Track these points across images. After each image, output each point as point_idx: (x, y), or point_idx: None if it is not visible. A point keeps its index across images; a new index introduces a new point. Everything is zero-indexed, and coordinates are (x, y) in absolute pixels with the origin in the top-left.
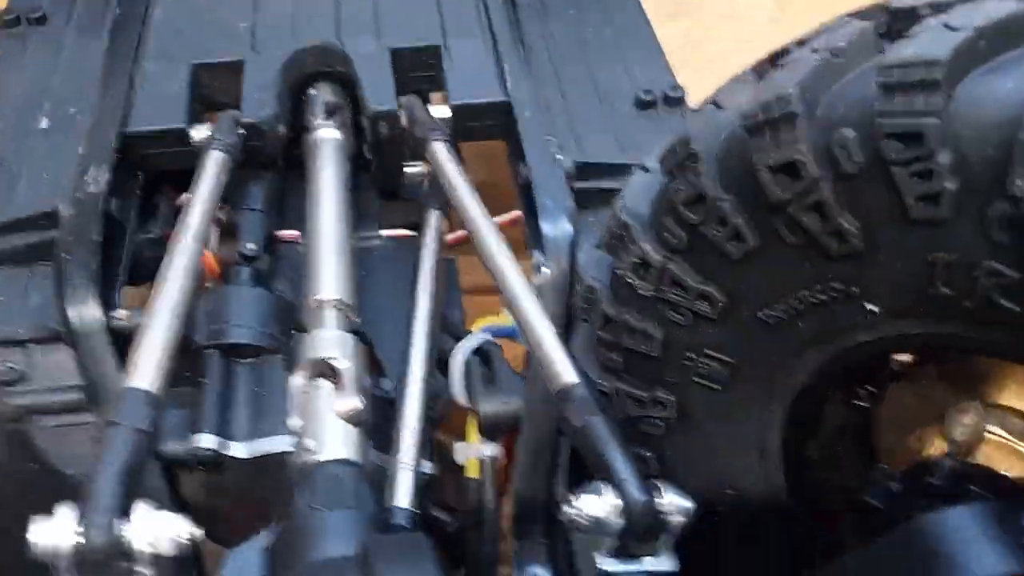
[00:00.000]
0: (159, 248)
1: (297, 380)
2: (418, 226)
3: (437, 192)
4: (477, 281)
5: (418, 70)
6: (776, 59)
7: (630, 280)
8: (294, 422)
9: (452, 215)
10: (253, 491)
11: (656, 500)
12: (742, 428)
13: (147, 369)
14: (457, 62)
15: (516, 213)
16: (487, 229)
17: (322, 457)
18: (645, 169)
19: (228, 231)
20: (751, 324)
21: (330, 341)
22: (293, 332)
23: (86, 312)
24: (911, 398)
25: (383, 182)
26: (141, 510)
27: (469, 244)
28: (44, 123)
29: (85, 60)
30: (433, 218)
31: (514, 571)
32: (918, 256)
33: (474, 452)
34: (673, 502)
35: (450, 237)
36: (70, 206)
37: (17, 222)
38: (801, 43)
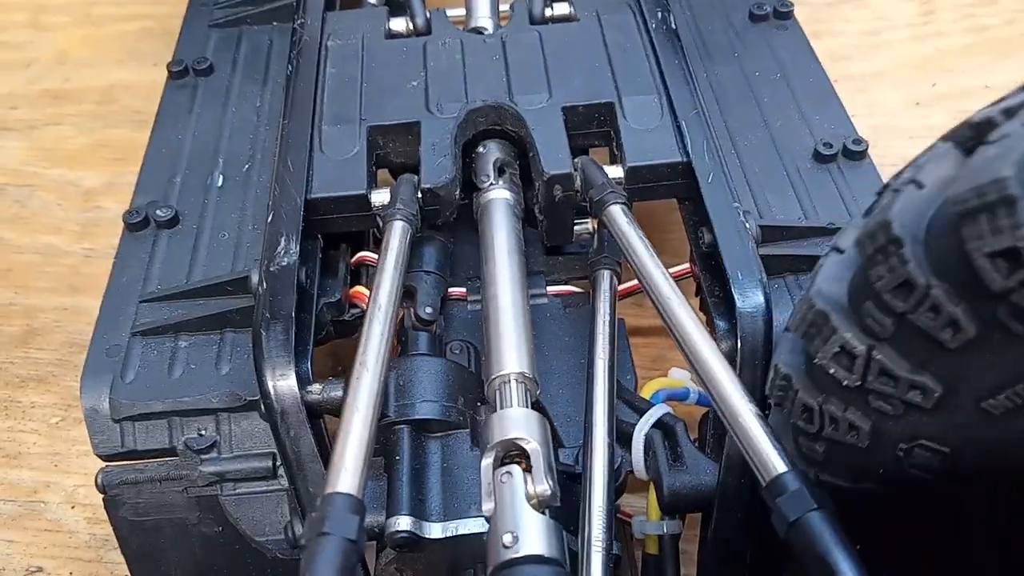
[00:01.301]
0: (338, 310)
1: (487, 463)
2: (583, 279)
3: (611, 254)
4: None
5: (591, 127)
6: (980, 129)
7: (831, 370)
8: (487, 507)
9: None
10: (443, 569)
11: None
12: (956, 525)
13: (351, 470)
14: (632, 120)
15: (686, 266)
16: (672, 296)
17: (520, 551)
18: (838, 250)
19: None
20: (971, 414)
21: (517, 420)
22: (477, 404)
23: (284, 386)
24: None
25: (551, 240)
26: None
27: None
28: (219, 180)
29: (253, 115)
30: (606, 280)
31: None
32: None
33: (655, 528)
34: None
35: (622, 287)
36: (264, 276)
37: (207, 288)
38: (1008, 112)
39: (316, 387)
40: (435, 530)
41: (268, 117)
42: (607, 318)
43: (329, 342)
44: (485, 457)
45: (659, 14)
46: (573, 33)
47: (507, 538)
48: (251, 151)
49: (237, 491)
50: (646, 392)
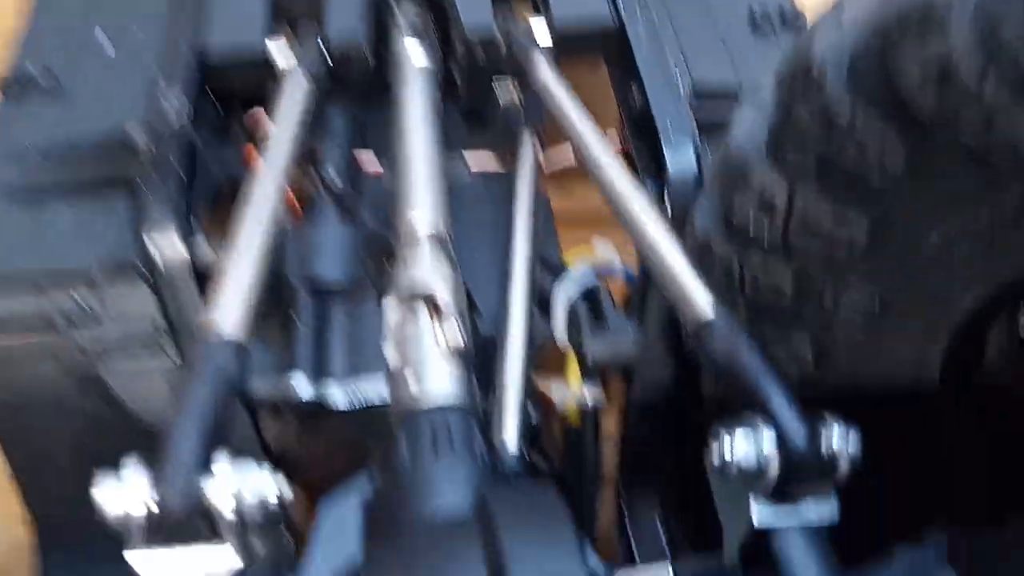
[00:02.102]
0: (233, 170)
1: (392, 313)
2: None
3: (533, 112)
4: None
5: None
6: None
7: (752, 220)
8: (392, 359)
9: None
10: (351, 437)
11: (821, 432)
12: (895, 371)
13: (230, 311)
14: None
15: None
16: (600, 148)
17: (427, 399)
18: (756, 96)
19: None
20: (903, 249)
21: (429, 273)
22: (386, 268)
23: (168, 247)
24: None
25: (472, 102)
26: (223, 464)
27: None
28: (102, 41)
29: None
30: (527, 140)
31: (628, 524)
32: None
33: (574, 396)
34: (838, 435)
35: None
36: (147, 134)
37: (85, 150)
38: None
39: (207, 249)
40: (339, 395)
41: None
42: (529, 180)
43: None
44: (389, 307)
45: None
46: None
47: (412, 383)
48: (141, 10)
49: (120, 368)
50: (570, 265)
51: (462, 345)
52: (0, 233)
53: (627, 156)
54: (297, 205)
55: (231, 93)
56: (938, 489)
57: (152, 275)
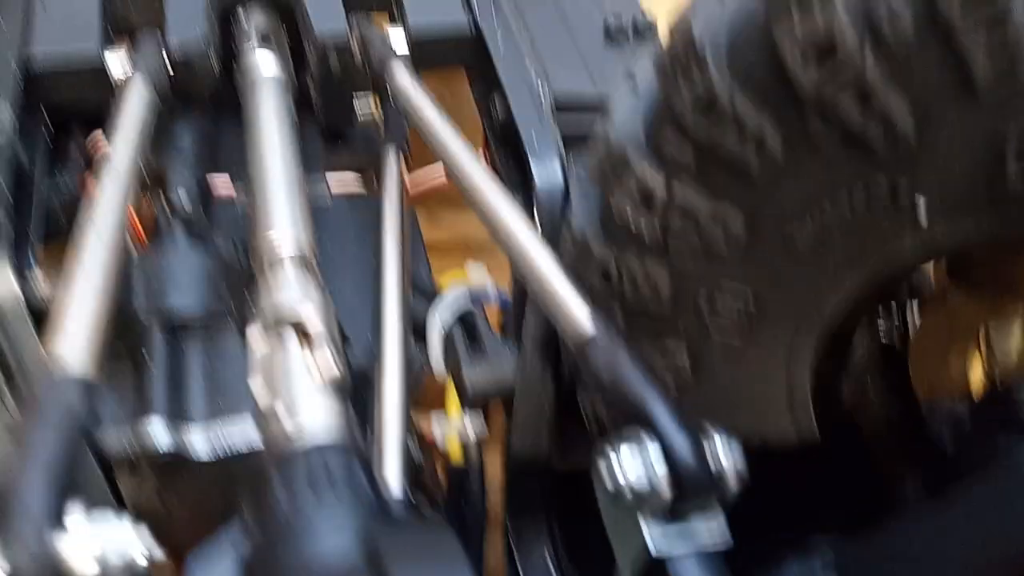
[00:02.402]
0: (72, 199)
1: (258, 343)
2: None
3: (395, 126)
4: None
5: None
6: None
7: (629, 217)
8: (260, 394)
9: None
10: (217, 488)
11: (706, 447)
12: (768, 374)
13: (74, 346)
14: None
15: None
16: (468, 161)
17: (302, 436)
18: (632, 82)
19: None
20: (777, 247)
21: (295, 298)
22: (246, 298)
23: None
24: (943, 322)
25: (329, 119)
26: (78, 517)
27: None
28: None
29: None
30: (391, 158)
31: (519, 564)
32: (985, 136)
33: (457, 428)
34: (721, 448)
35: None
36: None
37: None
38: None
39: (42, 283)
40: (201, 442)
41: None
42: (396, 200)
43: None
44: (252, 332)
45: None
46: None
47: (284, 419)
48: None
49: None
50: (444, 289)
51: (337, 375)
52: None
53: (492, 169)
54: (142, 231)
55: (66, 113)
56: (818, 496)
57: None
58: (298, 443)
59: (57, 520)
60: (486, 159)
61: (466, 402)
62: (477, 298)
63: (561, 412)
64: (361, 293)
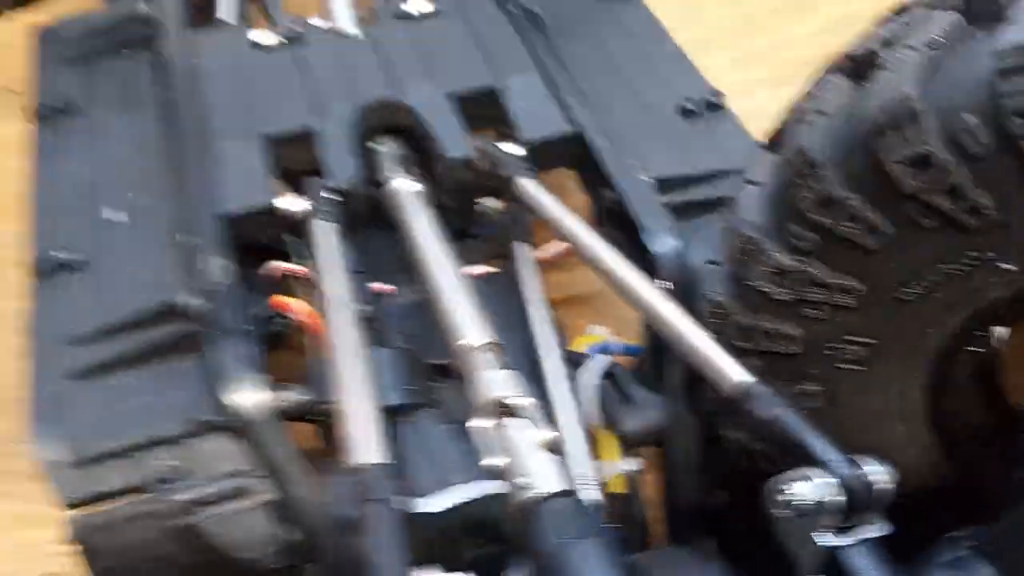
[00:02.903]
0: (265, 321)
1: (481, 423)
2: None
3: (521, 226)
4: None
5: (479, 111)
6: (864, 60)
7: (764, 289)
8: (492, 463)
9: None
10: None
11: (870, 475)
12: (887, 400)
13: (369, 442)
14: (518, 99)
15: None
16: (598, 245)
17: (544, 492)
18: (753, 183)
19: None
20: (890, 305)
21: (502, 381)
22: (433, 386)
23: (253, 399)
24: None
25: (458, 223)
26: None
27: None
28: (111, 214)
29: (130, 144)
30: (522, 251)
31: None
32: None
33: (621, 469)
34: (876, 470)
35: (549, 254)
36: (197, 297)
37: (134, 322)
38: (886, 43)
39: (277, 395)
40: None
41: (142, 146)
42: (534, 284)
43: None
44: (475, 419)
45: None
46: (440, 25)
47: (524, 481)
48: (134, 180)
49: (214, 513)
50: (576, 348)
51: (557, 437)
52: (83, 413)
53: None
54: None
55: (243, 251)
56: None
57: (233, 427)
58: (540, 497)
59: None
60: None
61: (625, 446)
62: (610, 352)
63: (705, 448)
64: (517, 359)
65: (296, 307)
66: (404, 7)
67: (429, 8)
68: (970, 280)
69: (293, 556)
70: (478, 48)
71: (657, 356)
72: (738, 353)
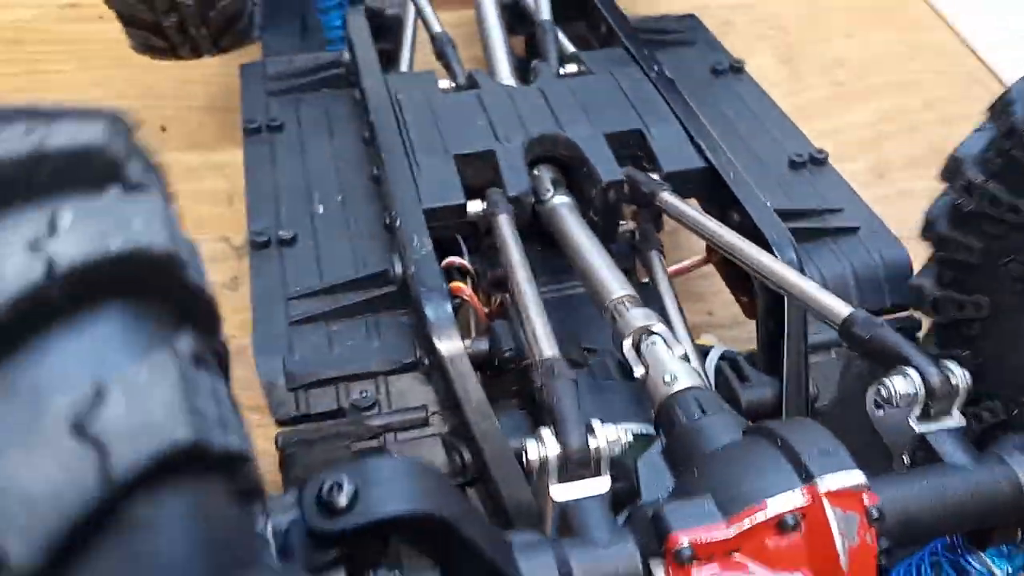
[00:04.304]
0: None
1: (628, 343)
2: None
3: (653, 237)
4: None
5: (627, 150)
6: None
7: (958, 202)
8: (639, 371)
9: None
10: None
11: (948, 373)
12: None
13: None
14: (659, 139)
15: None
16: (737, 237)
17: (681, 385)
18: (979, 129)
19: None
20: None
21: (642, 314)
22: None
23: (452, 345)
24: None
25: (604, 239)
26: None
27: None
28: (320, 209)
29: (333, 159)
30: (657, 259)
31: None
32: None
33: None
34: (958, 373)
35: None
36: (406, 263)
37: (343, 284)
38: None
39: (468, 343)
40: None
41: (343, 161)
42: (668, 285)
43: None
44: (625, 341)
45: (655, 67)
46: (594, 82)
47: (666, 377)
48: (339, 187)
49: (398, 440)
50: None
51: (687, 351)
52: (299, 350)
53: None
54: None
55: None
56: None
57: (427, 367)
58: (679, 389)
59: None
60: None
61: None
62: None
63: None
64: None
65: (467, 291)
66: (562, 70)
67: (575, 70)
68: None
69: (462, 477)
70: (626, 100)
71: (772, 344)
72: (935, 261)
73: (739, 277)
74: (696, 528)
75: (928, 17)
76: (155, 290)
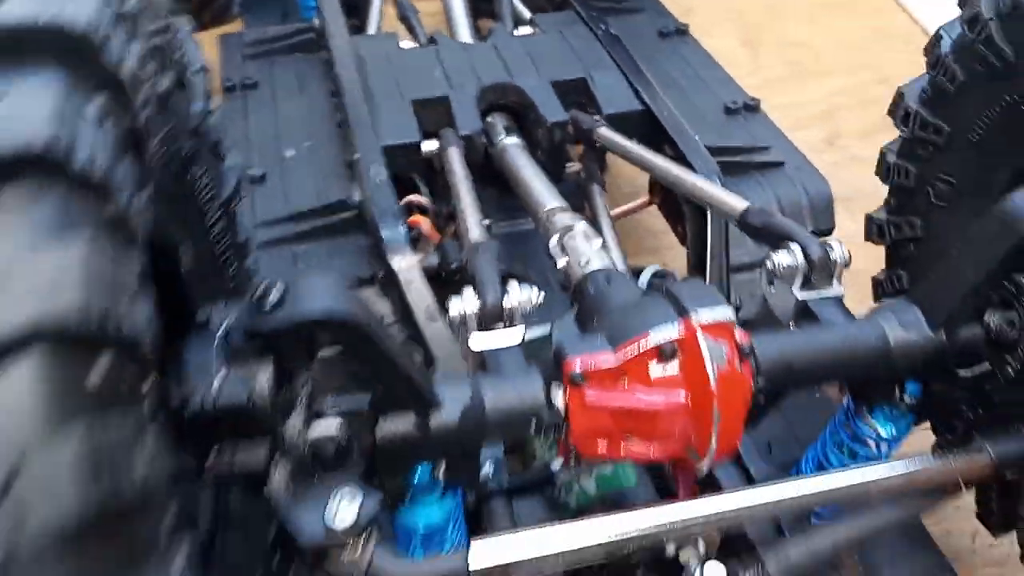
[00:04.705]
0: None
1: (555, 240)
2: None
3: (595, 173)
4: None
5: (572, 95)
6: None
7: (903, 128)
8: (562, 262)
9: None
10: None
11: (828, 249)
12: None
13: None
14: (602, 87)
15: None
16: (664, 160)
17: (593, 267)
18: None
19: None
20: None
21: (568, 217)
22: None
23: (406, 261)
24: None
25: (552, 176)
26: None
27: None
28: (288, 152)
29: (302, 111)
30: (597, 194)
31: None
32: None
33: None
34: (838, 249)
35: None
36: (364, 192)
37: (305, 212)
38: None
39: (421, 257)
40: None
41: (312, 113)
42: (607, 215)
43: None
44: (552, 239)
45: (601, 26)
46: (544, 39)
47: (581, 261)
48: (307, 135)
49: None
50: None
51: (600, 243)
52: (273, 267)
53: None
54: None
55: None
56: None
57: (383, 280)
58: (589, 271)
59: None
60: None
61: None
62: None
63: None
64: None
65: (424, 223)
66: (511, 28)
67: (529, 31)
68: None
69: None
70: (572, 53)
71: (700, 263)
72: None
73: (676, 212)
74: (588, 355)
75: (889, 6)
76: (72, 61)
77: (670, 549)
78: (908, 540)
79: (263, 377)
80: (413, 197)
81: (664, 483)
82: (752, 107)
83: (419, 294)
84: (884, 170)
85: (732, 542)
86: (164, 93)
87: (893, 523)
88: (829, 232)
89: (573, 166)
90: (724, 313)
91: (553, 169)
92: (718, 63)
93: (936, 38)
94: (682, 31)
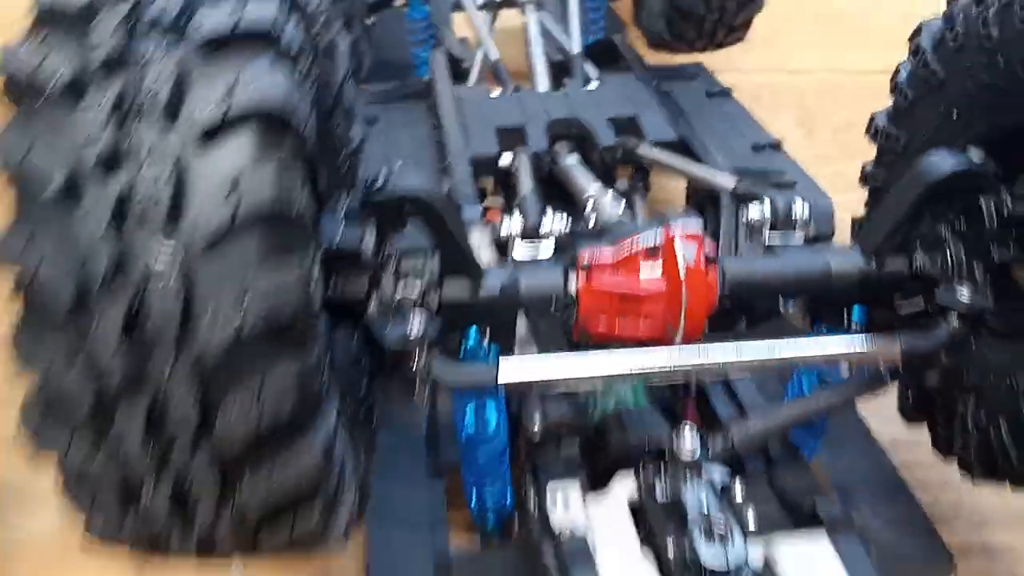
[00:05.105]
0: None
1: (590, 206)
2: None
3: (638, 189)
4: None
5: (624, 128)
6: None
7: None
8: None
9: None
10: None
11: (792, 203)
12: None
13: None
14: (647, 122)
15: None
16: (703, 168)
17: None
18: None
19: None
20: None
21: (597, 188)
22: None
23: (478, 233)
24: None
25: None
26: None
27: None
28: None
29: (410, 139)
30: (639, 200)
31: None
32: None
33: None
34: (799, 204)
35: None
36: (452, 183)
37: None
38: None
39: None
40: None
41: (416, 139)
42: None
43: None
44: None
45: (653, 83)
46: (606, 90)
47: (604, 217)
48: (412, 155)
49: None
50: None
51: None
52: None
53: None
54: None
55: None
56: None
57: None
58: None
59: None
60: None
61: None
62: None
63: None
64: None
65: (498, 216)
66: (583, 82)
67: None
68: None
69: None
70: (628, 100)
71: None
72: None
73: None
74: (595, 252)
75: None
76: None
77: None
78: (884, 487)
79: (368, 231)
80: (488, 201)
81: (667, 408)
82: (776, 147)
83: (486, 254)
84: (872, 133)
85: (707, 419)
86: (327, 47)
87: (834, 405)
88: (830, 238)
89: (622, 182)
90: (695, 226)
91: (604, 182)
92: (752, 116)
93: (895, 71)
94: (725, 93)
